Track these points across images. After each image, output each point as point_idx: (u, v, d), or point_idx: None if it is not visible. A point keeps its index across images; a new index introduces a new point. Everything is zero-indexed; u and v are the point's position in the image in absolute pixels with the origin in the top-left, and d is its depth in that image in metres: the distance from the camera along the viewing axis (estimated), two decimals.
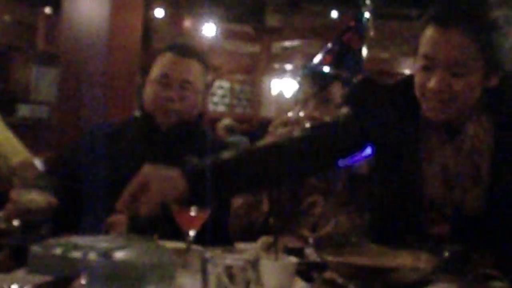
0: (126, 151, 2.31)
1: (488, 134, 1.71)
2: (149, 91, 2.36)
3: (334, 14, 10.40)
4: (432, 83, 1.59)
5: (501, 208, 1.70)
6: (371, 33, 2.37)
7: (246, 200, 2.10)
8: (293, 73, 12.11)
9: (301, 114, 2.19)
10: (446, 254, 1.43)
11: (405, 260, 1.46)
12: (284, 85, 12.14)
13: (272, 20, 11.39)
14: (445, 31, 1.57)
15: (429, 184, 1.74)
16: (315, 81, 2.18)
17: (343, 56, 2.26)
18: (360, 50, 2.32)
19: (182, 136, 2.34)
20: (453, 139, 1.72)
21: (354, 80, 2.19)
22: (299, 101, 2.22)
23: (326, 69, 2.20)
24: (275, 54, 12.32)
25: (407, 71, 10.76)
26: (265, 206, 2.07)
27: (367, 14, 2.35)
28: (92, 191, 2.17)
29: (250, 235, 2.05)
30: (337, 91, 2.18)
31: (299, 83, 2.25)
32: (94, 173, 2.22)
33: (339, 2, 10.24)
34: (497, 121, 1.71)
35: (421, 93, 1.65)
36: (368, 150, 2.22)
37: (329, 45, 2.35)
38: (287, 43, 12.18)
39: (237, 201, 2.12)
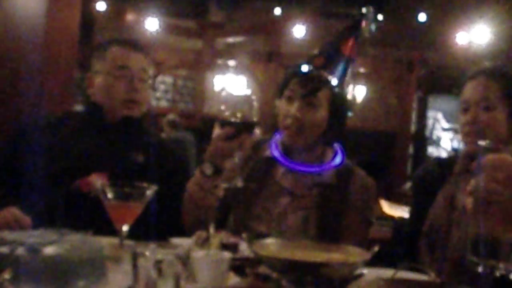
0: (66, 145, 2.29)
1: None
2: (104, 84, 2.33)
3: (277, 11, 10.44)
4: (466, 117, 2.04)
5: None
6: (366, 34, 2.30)
7: (202, 185, 2.05)
8: (236, 69, 12.11)
9: (284, 111, 2.17)
10: (375, 248, 1.46)
11: (335, 255, 1.49)
12: (227, 81, 12.11)
13: (215, 16, 11.35)
14: (477, 81, 2.06)
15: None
16: (306, 84, 2.15)
17: (336, 63, 2.21)
18: (354, 60, 2.27)
19: (127, 131, 2.34)
20: None
21: (340, 90, 2.18)
22: (284, 96, 2.19)
23: (317, 73, 2.16)
24: (218, 50, 12.26)
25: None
26: (220, 191, 2.04)
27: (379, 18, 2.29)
28: (30, 185, 2.14)
29: (203, 222, 2.03)
30: (324, 97, 2.17)
31: (287, 79, 2.21)
32: (32, 167, 2.20)
33: None
34: None
35: (462, 131, 2.09)
36: (338, 160, 2.23)
37: (321, 47, 2.27)
38: (230, 39, 12.16)
39: (192, 186, 2.08)
